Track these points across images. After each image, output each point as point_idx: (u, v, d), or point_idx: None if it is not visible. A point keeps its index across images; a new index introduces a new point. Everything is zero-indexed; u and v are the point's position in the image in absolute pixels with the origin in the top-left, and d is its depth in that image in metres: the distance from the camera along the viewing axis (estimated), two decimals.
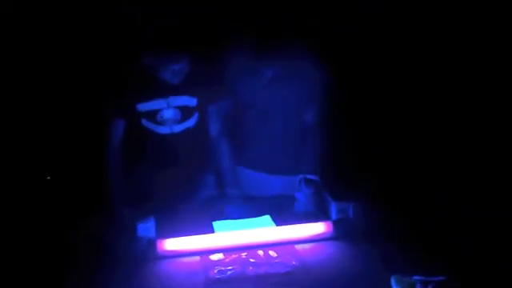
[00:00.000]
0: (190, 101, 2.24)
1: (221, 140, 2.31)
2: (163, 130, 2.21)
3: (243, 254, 1.84)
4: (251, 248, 1.88)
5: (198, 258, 1.84)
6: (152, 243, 1.84)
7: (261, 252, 1.86)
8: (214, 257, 1.83)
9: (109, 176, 2.15)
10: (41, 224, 2.17)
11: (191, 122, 2.26)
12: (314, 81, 2.22)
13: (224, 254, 1.84)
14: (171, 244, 1.86)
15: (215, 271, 1.72)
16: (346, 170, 2.47)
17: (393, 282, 1.54)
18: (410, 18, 2.92)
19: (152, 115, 2.18)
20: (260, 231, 1.95)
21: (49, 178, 2.91)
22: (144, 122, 2.19)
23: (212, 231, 1.97)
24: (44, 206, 2.45)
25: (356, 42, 2.94)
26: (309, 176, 2.21)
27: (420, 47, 3.00)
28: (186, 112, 2.23)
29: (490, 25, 2.84)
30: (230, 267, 1.75)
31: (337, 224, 1.97)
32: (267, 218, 2.08)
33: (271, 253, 1.85)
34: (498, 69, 2.89)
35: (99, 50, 2.72)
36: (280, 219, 2.04)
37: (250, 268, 1.74)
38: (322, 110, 2.28)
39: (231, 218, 2.08)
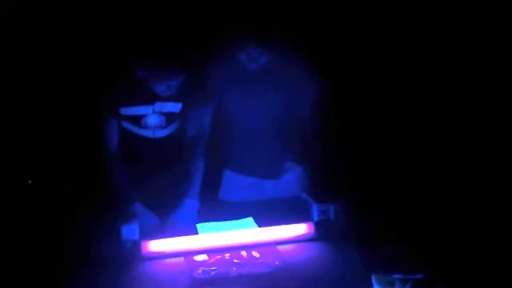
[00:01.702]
0: (175, 107, 2.22)
1: (194, 148, 2.27)
2: (145, 133, 2.20)
3: (227, 255, 1.87)
4: (234, 249, 1.90)
5: (182, 258, 1.86)
6: (136, 245, 1.85)
7: (244, 253, 1.89)
8: (198, 258, 1.85)
9: (112, 175, 2.15)
10: (25, 226, 2.16)
11: (173, 128, 2.25)
12: (303, 78, 2.23)
13: (208, 255, 1.87)
14: (156, 245, 1.88)
15: (199, 272, 1.75)
16: (329, 172, 2.48)
17: (374, 280, 1.56)
18: (410, 18, 2.90)
19: (136, 119, 2.17)
20: (243, 233, 1.98)
21: (30, 181, 2.88)
22: (126, 124, 2.17)
23: (196, 233, 2.00)
24: (27, 209, 2.43)
25: (356, 41, 2.91)
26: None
27: (420, 47, 2.97)
28: (170, 118, 2.22)
29: (489, 25, 2.83)
30: (213, 268, 1.77)
31: (318, 225, 2.01)
32: (250, 219, 2.11)
33: (254, 253, 1.88)
34: (497, 69, 2.87)
35: (94, 51, 2.64)
36: (262, 221, 2.07)
37: (234, 268, 1.77)
38: (312, 108, 2.28)
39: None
